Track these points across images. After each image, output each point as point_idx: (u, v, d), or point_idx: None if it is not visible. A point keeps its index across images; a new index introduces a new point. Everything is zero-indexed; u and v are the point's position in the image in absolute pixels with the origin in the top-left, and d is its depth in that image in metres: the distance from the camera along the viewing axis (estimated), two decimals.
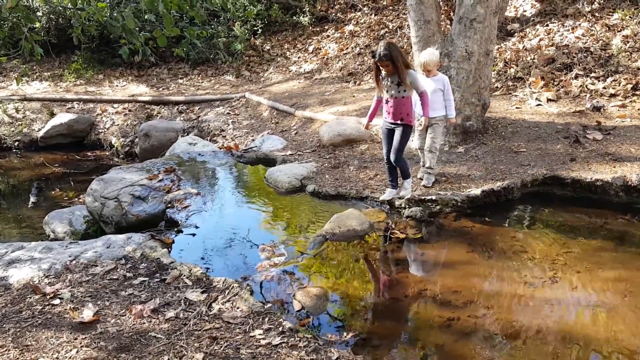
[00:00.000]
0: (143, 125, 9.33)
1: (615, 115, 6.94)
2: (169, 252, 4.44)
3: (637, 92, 7.40)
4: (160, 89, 11.97)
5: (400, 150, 5.01)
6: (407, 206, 5.13)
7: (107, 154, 9.82)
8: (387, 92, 4.93)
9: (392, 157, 5.04)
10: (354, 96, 9.38)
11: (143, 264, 4.08)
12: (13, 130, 10.21)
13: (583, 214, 5.04)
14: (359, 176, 5.99)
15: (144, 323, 3.30)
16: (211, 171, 6.62)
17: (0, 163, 9.33)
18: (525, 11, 10.42)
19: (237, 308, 3.48)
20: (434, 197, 5.16)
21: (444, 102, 5.31)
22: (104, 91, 11.85)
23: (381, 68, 4.83)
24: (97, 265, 4.04)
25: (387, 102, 4.95)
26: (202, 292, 3.64)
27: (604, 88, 7.64)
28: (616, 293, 3.72)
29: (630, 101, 7.29)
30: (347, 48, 12.09)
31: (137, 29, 4.83)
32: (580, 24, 9.07)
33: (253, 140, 8.16)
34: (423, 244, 4.61)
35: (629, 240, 4.50)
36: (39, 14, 12.46)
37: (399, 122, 4.93)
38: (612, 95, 7.49)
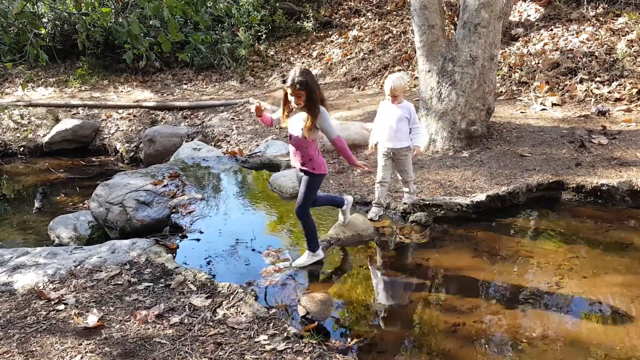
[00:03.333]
0: (148, 131, 9.35)
1: (620, 120, 6.92)
2: (174, 257, 4.43)
3: None
4: (165, 95, 12.00)
5: (302, 205, 4.04)
6: (412, 211, 5.11)
7: (112, 159, 9.85)
8: (290, 127, 4.00)
9: (295, 209, 4.10)
10: (357, 101, 9.38)
11: (148, 269, 4.08)
12: (18, 136, 10.25)
13: (589, 218, 5.01)
14: (364, 181, 5.98)
15: (149, 328, 3.29)
16: (215, 176, 6.63)
17: (5, 168, 9.36)
18: (529, 16, 10.41)
19: (242, 313, 3.47)
20: (438, 202, 5.14)
21: (408, 132, 4.81)
22: (109, 97, 11.88)
23: (290, 97, 3.82)
24: (101, 271, 4.03)
25: (290, 138, 4.04)
26: (207, 298, 3.63)
27: (609, 92, 7.62)
28: (622, 298, 3.69)
29: (636, 105, 7.27)
30: (351, 53, 12.10)
31: (142, 34, 4.85)
32: (584, 29, 9.06)
33: (257, 145, 8.16)
34: (428, 249, 4.59)
35: (635, 245, 4.47)
36: (45, 20, 12.53)
37: (305, 168, 4.03)
38: (617, 100, 7.47)
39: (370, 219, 4.96)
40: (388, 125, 4.80)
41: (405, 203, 5.14)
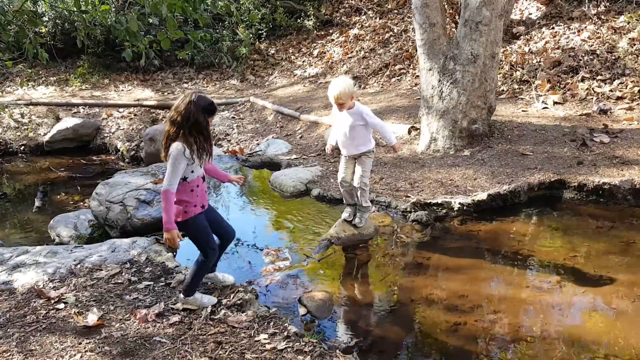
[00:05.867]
0: (148, 130, 9.33)
1: (622, 118, 6.89)
2: (174, 256, 4.42)
3: None
4: (166, 93, 11.99)
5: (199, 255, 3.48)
6: (412, 210, 5.10)
7: (113, 158, 9.82)
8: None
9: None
10: (358, 100, 9.36)
11: (148, 268, 4.07)
12: (19, 135, 10.24)
13: (590, 217, 5.00)
14: None
15: (149, 327, 3.28)
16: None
17: (6, 167, 9.35)
18: (530, 14, 10.38)
19: (242, 312, 3.46)
20: (439, 201, 5.13)
21: (368, 136, 4.40)
22: (110, 95, 11.87)
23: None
24: (102, 270, 4.02)
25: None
26: None
27: (611, 91, 7.59)
28: (624, 297, 3.68)
29: (637, 104, 7.24)
30: (351, 52, 12.08)
31: (142, 32, 4.83)
32: (586, 27, 9.03)
33: (258, 144, 8.15)
34: (429, 248, 4.57)
35: (637, 243, 4.45)
36: (45, 19, 12.52)
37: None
38: (619, 98, 7.44)
39: (344, 219, 4.74)
40: (342, 132, 4.39)
41: (356, 225, 4.69)
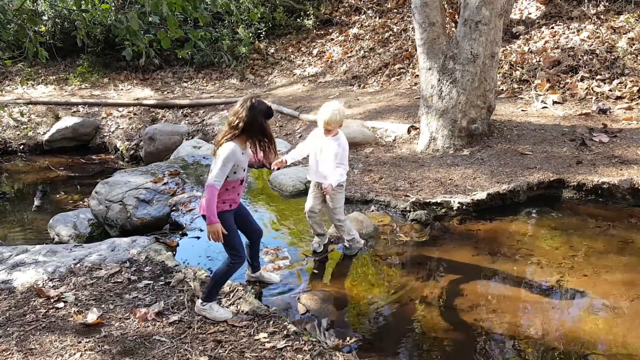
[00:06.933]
0: (148, 129, 9.33)
1: (621, 118, 6.90)
2: (174, 255, 4.42)
3: None
4: (165, 93, 11.98)
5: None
6: (411, 209, 5.10)
7: (112, 157, 9.82)
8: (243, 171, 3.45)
9: None
10: (358, 99, 9.36)
11: (147, 267, 4.07)
12: (18, 134, 10.23)
13: (589, 217, 5.00)
14: (364, 179, 5.97)
15: (148, 326, 3.28)
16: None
17: (5, 166, 9.35)
18: (530, 14, 10.38)
19: (242, 311, 3.46)
20: (439, 200, 5.13)
21: (334, 166, 4.09)
22: (109, 95, 11.86)
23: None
24: (101, 269, 4.03)
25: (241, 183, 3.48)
26: None
27: (610, 90, 7.60)
28: (623, 297, 3.69)
29: (637, 104, 7.24)
30: (351, 51, 12.07)
31: (142, 31, 4.83)
32: (585, 27, 9.03)
33: None
34: (428, 247, 4.58)
35: (635, 243, 4.46)
36: (45, 18, 12.50)
37: None
38: (618, 98, 7.45)
39: (314, 251, 4.44)
40: (314, 158, 4.18)
41: (347, 255, 4.44)
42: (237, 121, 3.23)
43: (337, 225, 4.34)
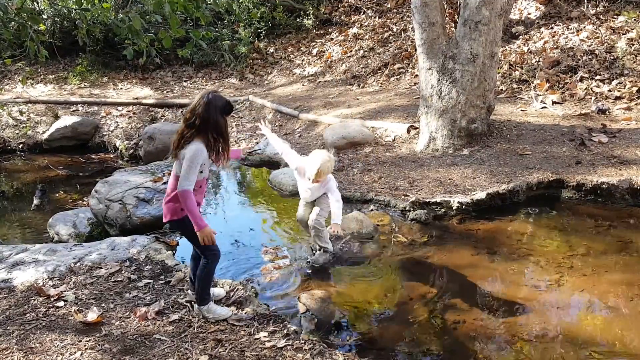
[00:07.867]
0: (147, 128, 9.33)
1: (620, 118, 6.91)
2: (174, 254, 4.43)
3: None
4: (165, 92, 11.98)
5: None
6: (411, 209, 5.10)
7: (112, 156, 9.81)
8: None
9: None
10: (357, 99, 9.37)
11: (147, 266, 4.07)
12: (17, 133, 10.23)
13: (589, 217, 5.01)
14: (363, 179, 5.97)
15: (149, 325, 3.29)
16: (215, 174, 6.62)
17: (4, 165, 9.34)
18: (529, 14, 10.39)
19: (242, 310, 3.46)
20: (438, 200, 5.14)
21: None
22: (109, 94, 11.86)
23: None
24: (101, 268, 4.03)
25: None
26: None
27: (609, 91, 7.61)
28: (622, 296, 3.69)
29: (636, 104, 7.26)
30: (351, 51, 12.08)
31: (143, 30, 4.83)
32: (584, 27, 9.04)
33: (257, 143, 8.15)
34: (427, 246, 4.58)
35: (635, 243, 4.47)
36: (44, 17, 12.49)
37: None
38: (618, 98, 7.46)
39: (313, 264, 4.29)
40: (305, 187, 4.21)
41: (313, 264, 4.27)
42: (193, 118, 3.07)
43: (316, 229, 4.19)
